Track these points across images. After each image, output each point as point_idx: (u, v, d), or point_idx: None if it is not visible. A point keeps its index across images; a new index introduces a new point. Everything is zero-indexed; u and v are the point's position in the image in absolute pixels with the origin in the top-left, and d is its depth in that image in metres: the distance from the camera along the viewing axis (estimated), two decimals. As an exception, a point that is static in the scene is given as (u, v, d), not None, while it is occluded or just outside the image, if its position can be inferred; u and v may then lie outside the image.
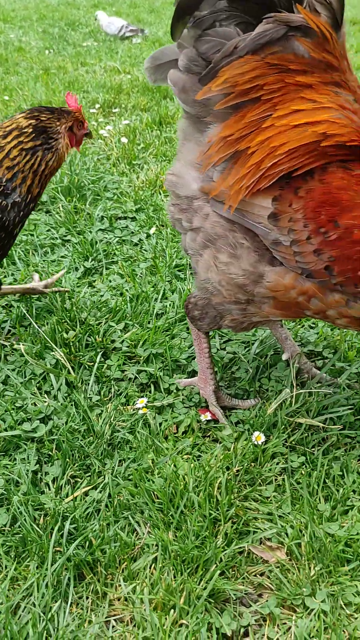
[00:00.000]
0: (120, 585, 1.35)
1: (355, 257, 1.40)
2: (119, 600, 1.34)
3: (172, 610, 1.29)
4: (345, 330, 2.13)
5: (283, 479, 1.60)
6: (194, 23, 1.36)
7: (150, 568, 1.38)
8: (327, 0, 1.27)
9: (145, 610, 1.29)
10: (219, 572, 1.36)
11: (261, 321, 1.69)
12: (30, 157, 1.86)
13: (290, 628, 1.29)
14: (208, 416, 1.79)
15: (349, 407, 1.78)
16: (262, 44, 1.31)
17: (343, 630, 1.28)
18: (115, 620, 1.31)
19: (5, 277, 2.42)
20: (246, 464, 1.61)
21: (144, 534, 1.46)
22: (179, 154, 1.60)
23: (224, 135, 1.43)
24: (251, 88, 1.36)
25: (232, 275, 1.55)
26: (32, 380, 1.90)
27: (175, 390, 1.90)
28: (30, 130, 1.88)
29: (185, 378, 1.94)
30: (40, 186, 1.92)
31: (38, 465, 1.62)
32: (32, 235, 2.74)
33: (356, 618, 1.30)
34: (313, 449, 1.68)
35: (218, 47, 1.36)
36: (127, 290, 2.32)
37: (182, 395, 1.88)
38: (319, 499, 1.54)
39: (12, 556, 1.41)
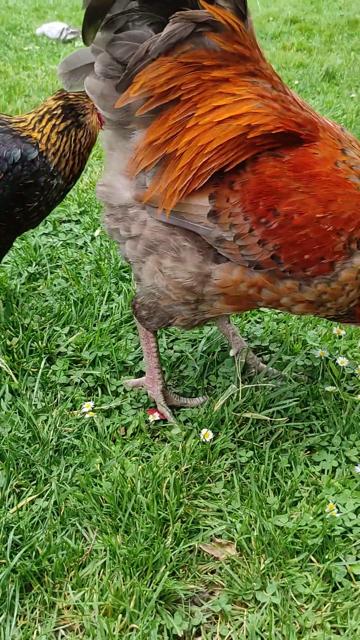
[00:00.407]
0: (69, 594, 1.32)
1: (299, 242, 1.41)
2: (68, 609, 1.31)
3: (122, 615, 1.26)
4: (290, 324, 2.15)
5: (232, 475, 1.59)
6: (106, 25, 1.33)
7: (99, 574, 1.36)
8: None
9: (94, 617, 1.27)
10: (168, 572, 1.34)
11: (213, 317, 1.68)
12: (67, 139, 1.95)
13: (242, 624, 1.29)
14: (156, 416, 1.77)
15: (295, 399, 1.79)
16: (173, 43, 1.30)
17: (294, 622, 1.28)
18: (64, 629, 1.28)
19: None
20: (195, 462, 1.60)
21: (92, 539, 1.43)
22: (107, 164, 1.56)
23: (149, 140, 1.41)
24: (169, 90, 1.35)
25: (179, 279, 1.53)
26: (-25, 390, 1.85)
27: (123, 392, 1.88)
28: (60, 111, 1.95)
29: (132, 379, 1.92)
30: (80, 164, 2.02)
31: (-19, 476, 1.57)
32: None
33: (306, 609, 1.30)
34: (261, 443, 1.68)
35: (132, 50, 1.33)
36: (71, 293, 2.28)
37: (130, 396, 1.86)
38: (268, 493, 1.55)
39: None
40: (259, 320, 2.21)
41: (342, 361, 1.93)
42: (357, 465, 1.60)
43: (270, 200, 1.41)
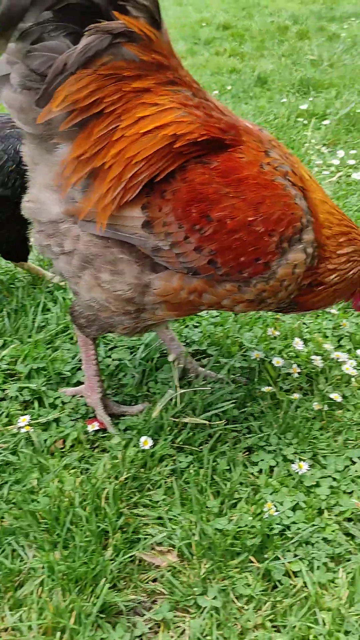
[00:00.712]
0: (5, 616, 1.29)
1: (234, 245, 1.44)
2: (5, 631, 1.27)
3: (62, 633, 1.24)
4: (227, 327, 2.18)
5: (172, 481, 1.59)
6: (20, 36, 1.29)
7: (37, 592, 1.33)
8: (140, 2, 1.28)
9: (33, 637, 1.24)
10: (109, 585, 1.33)
11: (155, 324, 1.68)
12: None
13: (184, 630, 1.29)
14: (96, 426, 1.75)
15: (233, 401, 1.81)
16: (91, 56, 1.28)
17: (235, 624, 1.29)
18: (2, 653, 1.24)
19: None
20: (134, 470, 1.59)
21: (29, 557, 1.39)
22: (32, 179, 1.52)
23: (76, 155, 1.39)
24: (92, 103, 1.33)
25: (119, 291, 1.52)
26: None
27: (61, 404, 1.85)
28: None
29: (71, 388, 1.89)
30: None
31: None
32: None
33: (247, 609, 1.32)
34: (200, 447, 1.69)
35: (50, 61, 1.30)
36: (5, 305, 2.23)
37: (68, 408, 1.83)
38: (208, 496, 1.55)
39: None
40: (197, 324, 2.22)
41: (277, 361, 1.96)
42: (293, 462, 1.64)
43: (203, 206, 1.42)
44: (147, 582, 1.38)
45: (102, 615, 1.29)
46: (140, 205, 1.44)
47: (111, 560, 1.38)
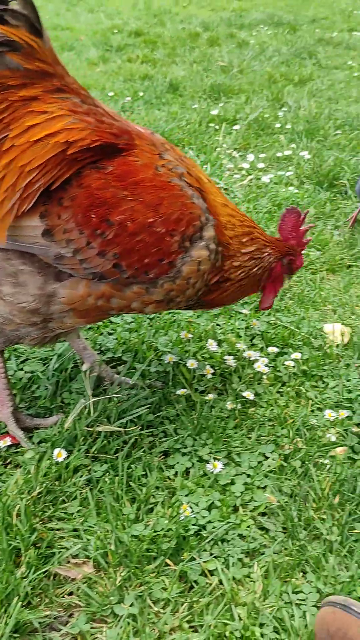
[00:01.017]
0: None
1: (137, 247, 1.45)
2: None
3: (-28, 659, 1.20)
4: (142, 333, 2.18)
5: (87, 491, 1.57)
6: None
7: None
8: (18, 11, 1.27)
9: None
10: (22, 603, 1.29)
11: (65, 332, 1.65)
12: None
13: (102, 641, 1.28)
14: (8, 441, 1.71)
15: (147, 406, 1.81)
16: None
17: (153, 629, 1.29)
18: None
19: None
20: (48, 483, 1.56)
21: None
22: None
23: None
24: None
25: (23, 304, 1.49)
26: None
27: (-30, 422, 1.79)
28: None
29: (-19, 406, 1.83)
30: None
31: None
32: None
33: (164, 613, 1.32)
34: (116, 455, 1.68)
35: None
36: None
37: (-21, 425, 1.77)
38: (124, 504, 1.55)
39: None
40: (112, 331, 2.21)
41: (191, 364, 1.99)
42: (208, 462, 1.66)
43: (102, 211, 1.42)
44: (62, 596, 1.35)
45: (15, 635, 1.25)
46: (38, 213, 1.43)
47: (24, 577, 1.34)
